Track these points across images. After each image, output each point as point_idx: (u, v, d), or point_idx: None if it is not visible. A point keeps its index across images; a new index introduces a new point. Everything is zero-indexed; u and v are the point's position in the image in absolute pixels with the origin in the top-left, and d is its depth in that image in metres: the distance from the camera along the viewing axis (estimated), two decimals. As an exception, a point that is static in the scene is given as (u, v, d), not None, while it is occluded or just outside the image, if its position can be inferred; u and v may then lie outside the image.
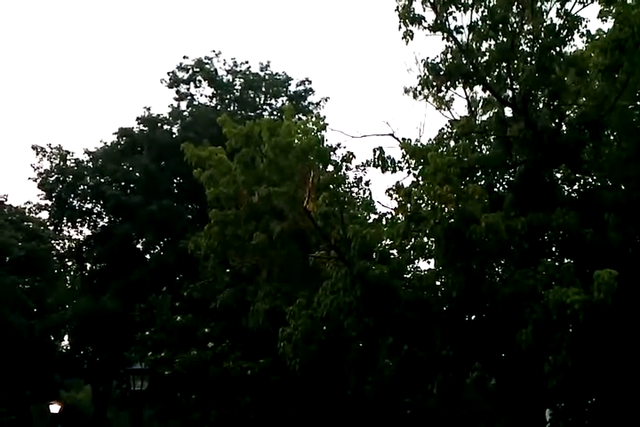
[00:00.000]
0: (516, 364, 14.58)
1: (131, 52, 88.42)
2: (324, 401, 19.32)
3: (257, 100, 37.23)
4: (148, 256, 36.81)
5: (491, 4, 16.51)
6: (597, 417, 15.04)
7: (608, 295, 12.29)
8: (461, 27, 16.65)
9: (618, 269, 12.54)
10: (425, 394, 15.10)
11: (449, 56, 16.71)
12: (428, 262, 17.11)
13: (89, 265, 38.31)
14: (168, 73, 37.78)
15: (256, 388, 21.17)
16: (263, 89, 36.98)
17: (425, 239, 16.28)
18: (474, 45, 16.72)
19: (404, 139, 17.28)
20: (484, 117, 17.69)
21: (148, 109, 37.21)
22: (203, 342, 23.30)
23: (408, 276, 17.14)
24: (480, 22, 16.49)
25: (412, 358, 15.47)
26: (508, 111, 17.02)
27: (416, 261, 17.51)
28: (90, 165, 37.46)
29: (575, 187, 16.63)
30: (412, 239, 16.40)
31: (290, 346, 16.33)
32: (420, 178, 16.62)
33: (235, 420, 21.85)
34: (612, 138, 16.38)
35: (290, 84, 37.64)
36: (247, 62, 37.65)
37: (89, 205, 37.59)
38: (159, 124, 36.84)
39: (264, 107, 37.11)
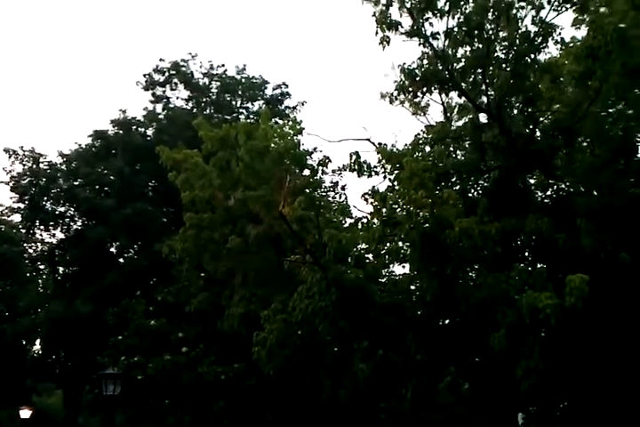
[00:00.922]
0: (489, 368, 14.68)
1: (106, 55, 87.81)
2: (299, 406, 19.28)
3: (233, 103, 37.13)
4: (121, 260, 36.46)
5: (467, 11, 16.66)
6: (569, 421, 15.19)
7: (579, 300, 12.43)
8: (437, 33, 16.78)
9: (589, 274, 12.69)
10: (399, 398, 15.15)
11: (425, 62, 16.82)
12: (403, 267, 17.22)
13: (62, 269, 37.86)
14: (144, 75, 37.54)
15: (230, 392, 21.07)
16: (239, 92, 36.91)
17: (400, 244, 16.36)
18: (450, 52, 16.84)
19: (380, 144, 17.38)
20: (460, 123, 17.85)
21: (124, 112, 36.94)
22: (177, 346, 23.14)
23: (383, 280, 17.21)
24: (456, 29, 16.62)
25: (387, 363, 15.51)
26: (483, 117, 17.18)
27: (391, 266, 17.61)
28: (63, 167, 37.05)
29: (548, 193, 16.81)
30: (388, 244, 16.48)
31: (264, 351, 16.29)
32: (395, 183, 16.72)
33: (208, 425, 21.71)
34: (585, 145, 16.59)
35: (266, 88, 37.62)
36: (224, 65, 37.55)
37: (62, 209, 37.16)
38: (134, 127, 36.57)
39: (240, 110, 37.03)
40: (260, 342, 16.44)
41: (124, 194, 34.61)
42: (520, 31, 16.47)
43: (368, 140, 17.46)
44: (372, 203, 16.82)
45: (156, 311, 25.95)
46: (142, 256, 34.00)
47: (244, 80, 37.59)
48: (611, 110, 16.15)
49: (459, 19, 16.65)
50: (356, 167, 17.24)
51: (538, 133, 16.73)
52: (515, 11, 16.55)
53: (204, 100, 37.45)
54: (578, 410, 14.77)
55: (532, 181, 16.85)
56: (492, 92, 16.56)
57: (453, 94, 17.58)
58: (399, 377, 15.32)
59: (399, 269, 17.64)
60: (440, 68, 16.72)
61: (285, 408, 19.81)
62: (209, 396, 21.49)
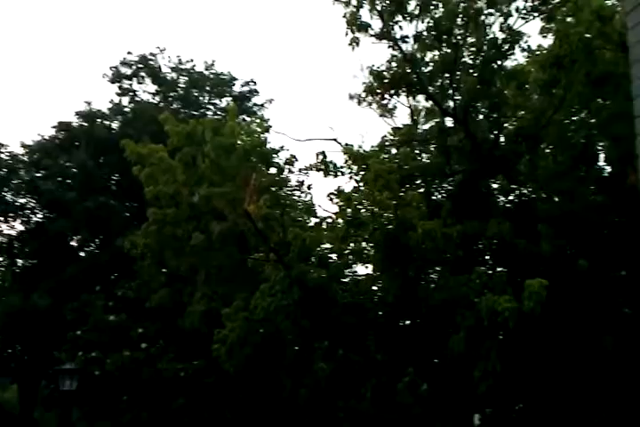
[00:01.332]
0: (448, 369, 14.85)
1: (73, 46, 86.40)
2: (259, 404, 19.26)
3: (201, 98, 36.87)
4: (82, 254, 35.96)
5: (436, 16, 16.81)
6: (523, 422, 15.43)
7: (537, 304, 12.66)
8: (407, 36, 16.92)
9: (549, 279, 12.92)
10: (358, 398, 15.25)
11: (394, 65, 16.95)
12: (367, 267, 17.33)
13: (20, 261, 37.18)
14: (111, 68, 37.04)
15: (189, 390, 20.94)
16: (207, 88, 36.67)
17: (364, 244, 16.47)
18: (418, 55, 16.99)
19: (347, 144, 17.46)
20: (426, 126, 18.02)
21: (89, 104, 36.42)
22: (136, 342, 22.91)
23: (346, 280, 17.29)
24: (425, 33, 16.77)
25: (347, 362, 15.59)
26: (450, 121, 17.36)
27: (354, 266, 17.70)
28: (25, 158, 36.38)
29: (511, 197, 17.05)
30: (352, 244, 16.57)
31: (225, 348, 16.25)
32: (360, 183, 16.82)
33: (167, 422, 21.56)
34: (548, 151, 16.87)
35: (234, 85, 37.45)
36: (192, 60, 37.29)
37: (23, 200, 36.49)
38: (99, 120, 36.09)
39: (208, 106, 36.80)
40: (220, 340, 16.40)
41: (87, 187, 34.13)
42: (488, 37, 16.69)
43: (335, 140, 17.55)
44: (337, 203, 16.90)
45: (115, 307, 25.66)
46: (103, 251, 33.58)
47: (212, 76, 37.37)
48: (574, 118, 16.45)
49: (428, 23, 16.81)
50: (323, 167, 17.32)
51: (502, 139, 16.98)
52: (483, 17, 16.77)
53: (172, 94, 37.13)
54: (532, 412, 15.03)
55: (495, 186, 17.09)
56: (459, 97, 16.76)
57: (421, 98, 17.78)
58: (359, 377, 15.42)
59: (362, 270, 17.76)
60: (408, 71, 16.86)
61: (245, 406, 19.77)
62: (168, 393, 21.34)
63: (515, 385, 14.26)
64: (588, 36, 14.79)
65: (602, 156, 15.93)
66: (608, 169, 15.93)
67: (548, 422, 14.62)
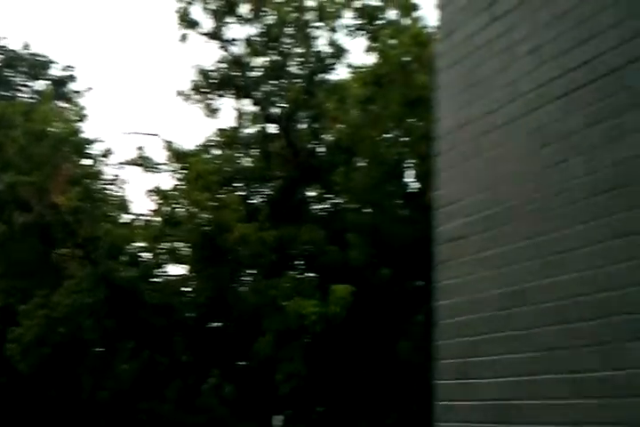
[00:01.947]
0: (254, 371, 15.06)
1: None
2: (56, 405, 18.28)
3: (14, 79, 34.42)
4: None
5: (268, 22, 17.05)
6: (324, 424, 15.99)
7: (343, 309, 13.24)
8: (237, 39, 16.98)
9: (356, 285, 13.55)
10: (161, 400, 15.00)
11: (223, 66, 16.93)
12: (183, 268, 17.10)
13: None
14: None
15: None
16: (23, 69, 34.32)
17: (179, 244, 16.25)
18: (248, 59, 17.11)
19: (169, 141, 17.17)
20: (251, 130, 18.14)
21: None
22: None
23: (158, 280, 16.95)
24: (258, 38, 16.94)
25: (152, 364, 15.29)
26: (273, 128, 17.63)
27: (167, 266, 17.40)
28: None
29: (326, 206, 17.64)
30: (166, 243, 16.29)
31: (20, 348, 15.30)
32: (181, 182, 16.60)
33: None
34: (362, 165, 17.63)
35: (51, 68, 35.40)
36: (6, 38, 34.75)
37: None
38: None
39: (21, 88, 34.43)
40: (15, 339, 15.41)
41: None
42: (314, 50, 17.19)
43: (157, 135, 17.20)
44: (155, 201, 16.55)
45: None
46: None
47: (28, 56, 35.01)
48: (388, 135, 17.32)
49: (261, 29, 16.99)
50: (142, 162, 16.89)
51: (322, 149, 17.53)
52: (311, 29, 17.25)
53: (-19, 71, 34.28)
54: (333, 413, 15.61)
55: (312, 194, 17.60)
56: (284, 105, 17.09)
57: (247, 102, 17.88)
58: (163, 378, 15.18)
59: (176, 270, 17.51)
60: (237, 74, 16.93)
61: (41, 408, 18.65)
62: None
63: (318, 387, 14.76)
64: (406, 59, 15.72)
65: (414, 172, 16.93)
66: (418, 185, 16.94)
67: (347, 423, 15.25)
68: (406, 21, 16.73)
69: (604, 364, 2.89)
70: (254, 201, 17.31)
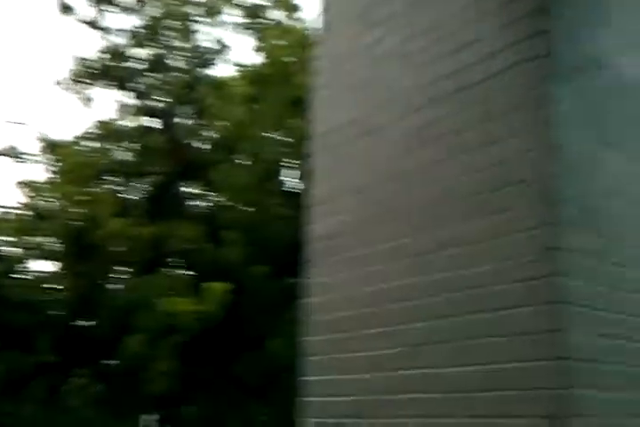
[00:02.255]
0: (124, 370, 14.65)
1: None
2: None
3: None
4: None
5: (151, 14, 16.66)
6: (197, 424, 15.78)
7: (219, 307, 13.13)
8: (120, 29, 16.49)
9: (234, 283, 13.47)
10: (21, 401, 14.28)
11: (105, 56, 16.41)
12: (53, 264, 16.35)
13: None
14: None
15: None
16: None
17: (47, 239, 15.56)
18: (130, 51, 16.66)
19: (42, 132, 16.42)
20: (131, 124, 17.63)
21: None
22: None
23: (25, 276, 16.14)
24: (142, 30, 16.53)
25: (16, 364, 14.53)
26: (154, 121, 17.23)
27: (34, 261, 16.61)
28: None
29: (205, 203, 17.43)
30: (35, 237, 15.56)
31: None
32: (54, 175, 15.92)
33: None
34: (243, 163, 17.57)
35: None
36: None
37: None
38: None
39: None
40: None
41: None
42: (196, 44, 16.99)
43: (30, 125, 16.41)
44: (25, 192, 15.77)
45: None
46: None
47: None
48: (269, 134, 17.37)
49: (145, 20, 16.60)
50: (11, 153, 16.04)
51: (202, 146, 17.32)
52: (194, 24, 17.02)
53: None
54: (206, 413, 15.44)
55: (193, 191, 17.34)
56: (166, 99, 16.75)
57: (129, 94, 17.38)
58: (24, 378, 14.46)
59: (44, 266, 16.73)
60: (118, 65, 16.44)
61: None
62: None
63: (192, 386, 14.56)
64: (291, 59, 15.84)
65: (295, 172, 17.04)
66: (298, 184, 17.07)
67: (220, 422, 15.14)
68: (290, 22, 16.91)
69: (459, 360, 3.04)
70: (132, 196, 16.85)
